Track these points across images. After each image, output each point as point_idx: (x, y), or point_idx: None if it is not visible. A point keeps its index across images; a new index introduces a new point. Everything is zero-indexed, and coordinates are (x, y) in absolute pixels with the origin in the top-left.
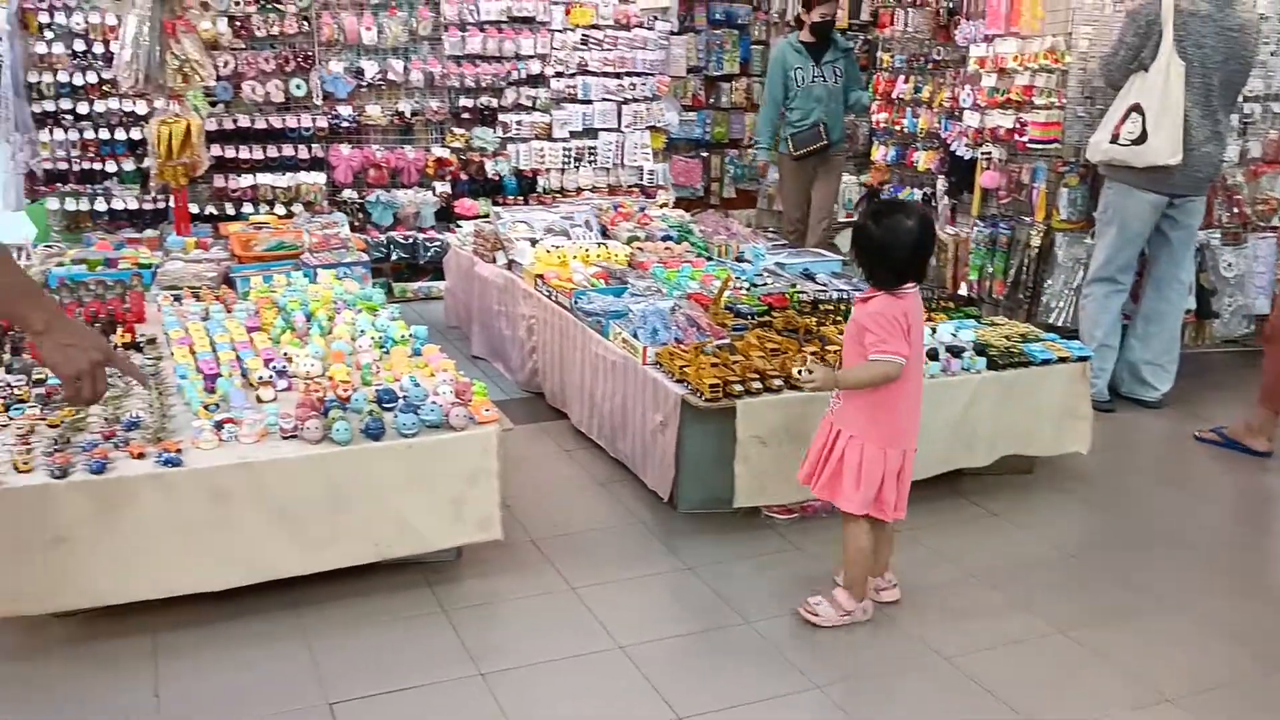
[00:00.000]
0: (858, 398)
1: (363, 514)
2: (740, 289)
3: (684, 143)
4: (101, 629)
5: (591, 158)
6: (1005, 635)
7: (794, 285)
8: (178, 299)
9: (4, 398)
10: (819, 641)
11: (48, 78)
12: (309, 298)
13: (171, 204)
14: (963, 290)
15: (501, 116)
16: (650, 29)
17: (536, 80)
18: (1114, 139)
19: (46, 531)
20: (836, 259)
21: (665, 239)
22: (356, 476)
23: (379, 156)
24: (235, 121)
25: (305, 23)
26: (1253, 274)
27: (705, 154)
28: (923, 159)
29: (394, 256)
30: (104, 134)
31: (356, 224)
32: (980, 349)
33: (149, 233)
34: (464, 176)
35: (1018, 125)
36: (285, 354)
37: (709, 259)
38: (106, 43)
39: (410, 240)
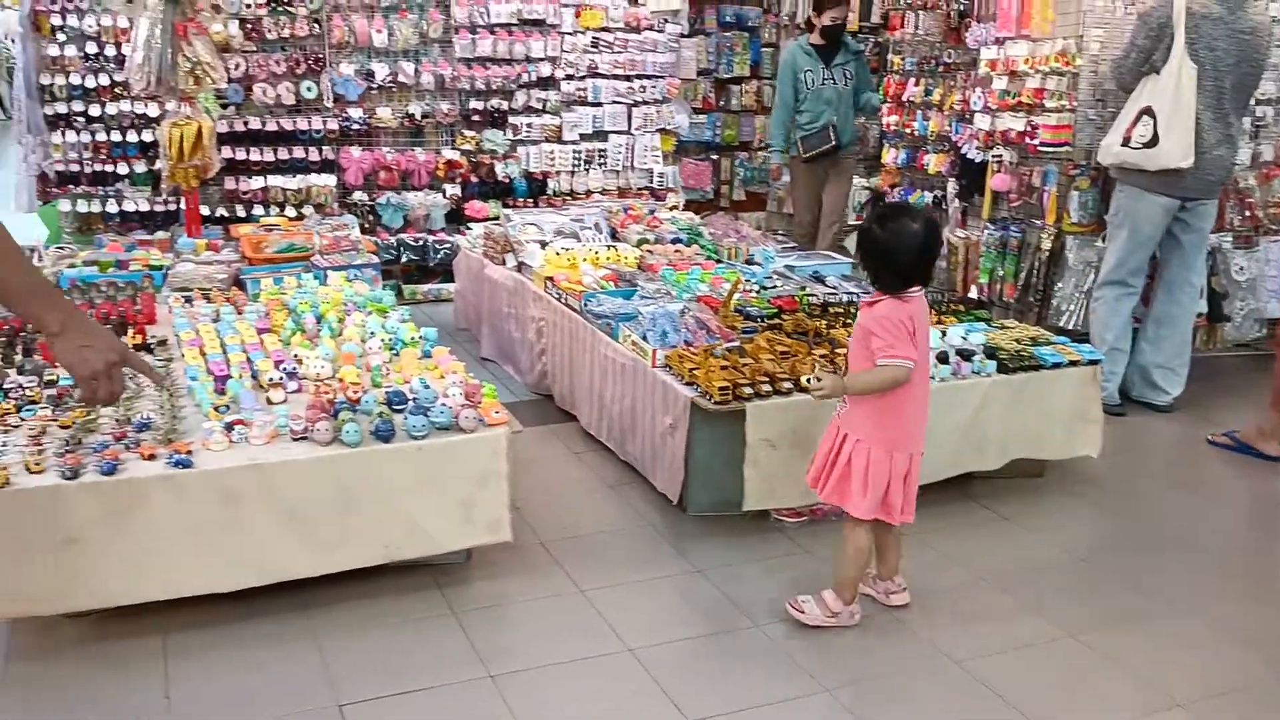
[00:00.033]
0: (865, 402)
1: (372, 516)
2: (750, 292)
3: (694, 145)
4: (112, 630)
5: (601, 160)
6: (1015, 639)
7: (804, 288)
8: (188, 301)
9: (16, 399)
10: (828, 645)
11: (60, 80)
12: (319, 300)
13: (183, 206)
14: (973, 293)
15: (512, 119)
16: (660, 32)
17: (547, 83)
18: (1125, 142)
19: (58, 532)
20: (846, 262)
21: (675, 241)
22: (366, 478)
23: (389, 159)
24: (246, 124)
25: (316, 25)
26: (1264, 277)
27: (715, 157)
28: (933, 162)
29: (404, 259)
30: (115, 136)
31: (367, 226)
32: (990, 352)
33: (160, 235)
34: (474, 179)
35: (1029, 128)
36: (295, 356)
37: (719, 261)
38: (118, 45)
39: (420, 242)
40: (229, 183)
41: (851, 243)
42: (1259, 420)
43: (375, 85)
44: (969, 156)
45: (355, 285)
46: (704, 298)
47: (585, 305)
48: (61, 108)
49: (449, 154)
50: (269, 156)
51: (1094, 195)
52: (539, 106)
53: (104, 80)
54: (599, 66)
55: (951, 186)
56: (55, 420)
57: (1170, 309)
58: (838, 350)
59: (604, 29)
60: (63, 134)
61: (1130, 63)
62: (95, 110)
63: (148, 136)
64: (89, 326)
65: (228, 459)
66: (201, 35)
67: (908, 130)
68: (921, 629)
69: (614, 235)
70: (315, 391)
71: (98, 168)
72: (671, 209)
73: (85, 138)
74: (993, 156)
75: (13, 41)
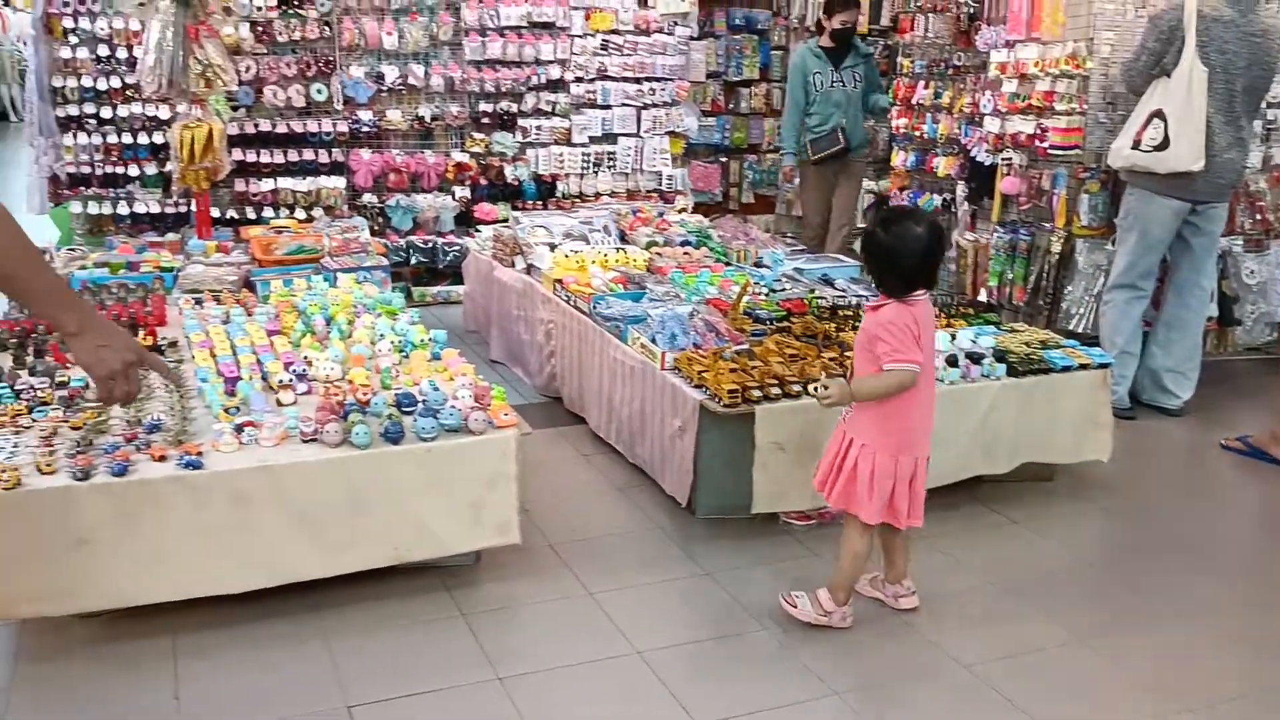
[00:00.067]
0: (870, 407)
1: (382, 517)
2: (759, 294)
3: (703, 148)
4: (123, 630)
5: (610, 163)
6: (1024, 643)
7: (813, 291)
8: (199, 302)
9: (28, 400)
10: (837, 648)
11: (72, 82)
12: (329, 302)
13: (193, 208)
14: (982, 296)
15: (521, 121)
16: (670, 34)
17: (556, 85)
18: (1136, 145)
19: (69, 533)
20: (855, 264)
21: (684, 244)
22: (376, 480)
23: (399, 161)
24: (256, 126)
25: (326, 28)
26: (1275, 281)
27: (724, 159)
28: (942, 165)
29: (413, 261)
30: (127, 138)
31: (376, 228)
32: (1000, 356)
33: (170, 236)
34: (483, 181)
35: (1038, 131)
36: (305, 358)
37: (728, 264)
38: (130, 48)
39: (429, 245)
40: (239, 185)
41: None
42: (1274, 425)
43: (385, 88)
44: (978, 159)
45: (365, 287)
46: (713, 300)
47: (594, 308)
48: (73, 110)
49: (458, 156)
50: (279, 159)
51: (1104, 198)
52: (548, 109)
53: (115, 83)
54: (608, 69)
55: (961, 189)
56: (66, 421)
57: (1180, 312)
58: (847, 354)
59: (613, 32)
60: (74, 136)
61: (1141, 66)
62: (107, 112)
63: (159, 139)
64: (106, 327)
65: (238, 460)
66: (213, 38)
67: (917, 133)
68: (931, 633)
69: (623, 238)
70: (325, 393)
71: (109, 170)
72: (680, 212)
73: (96, 140)
74: (1002, 159)
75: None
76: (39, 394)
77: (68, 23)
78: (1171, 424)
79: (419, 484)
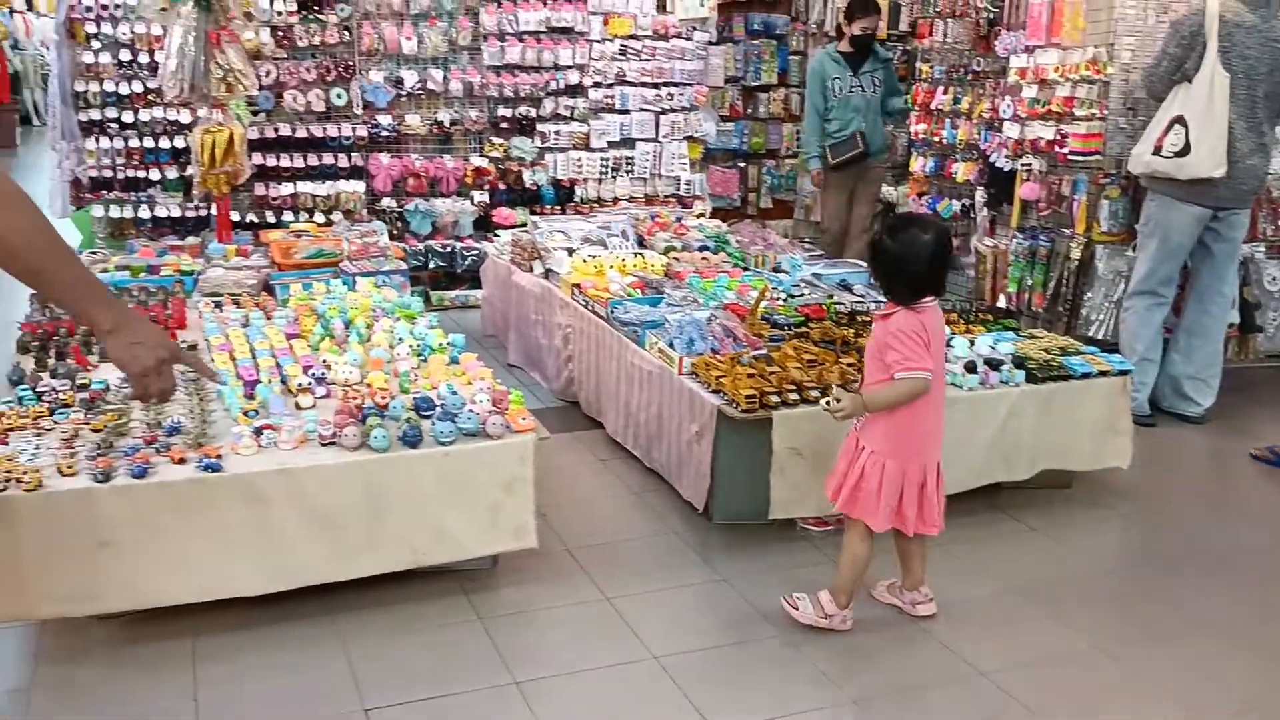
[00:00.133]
0: (881, 415)
1: (400, 521)
2: (777, 300)
3: (721, 153)
4: (141, 632)
5: (629, 168)
6: (1043, 651)
7: (831, 296)
8: (218, 306)
9: (49, 402)
10: (854, 654)
11: (94, 87)
12: (348, 305)
13: (213, 211)
14: (1001, 302)
15: (540, 126)
16: (688, 39)
17: (575, 90)
18: (1156, 151)
19: (90, 535)
20: None
21: (702, 249)
22: (394, 483)
23: (418, 165)
24: (276, 130)
25: (346, 33)
26: None
27: (742, 164)
28: (961, 170)
29: (432, 265)
30: (148, 142)
31: (395, 232)
32: (1019, 362)
33: (191, 240)
34: (502, 186)
35: (1058, 137)
36: (324, 361)
37: (746, 269)
38: (152, 52)
39: (448, 249)
40: (259, 189)
41: None
42: None
43: (404, 92)
44: (998, 165)
45: (384, 291)
46: (731, 305)
47: (612, 312)
48: (95, 114)
49: (477, 161)
50: (299, 163)
51: (1124, 204)
52: (567, 114)
53: (137, 87)
54: (627, 74)
55: (980, 195)
56: (87, 424)
57: (1201, 319)
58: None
59: (632, 36)
60: (96, 140)
61: (1162, 71)
62: (128, 117)
63: (180, 143)
64: (140, 324)
65: (256, 463)
66: (234, 42)
67: (936, 138)
68: (948, 640)
69: (641, 242)
70: (343, 397)
71: (130, 173)
72: (698, 216)
73: (118, 144)
74: (1022, 165)
75: (48, 49)
76: (60, 396)
77: (90, 28)
78: (1192, 431)
79: (437, 488)
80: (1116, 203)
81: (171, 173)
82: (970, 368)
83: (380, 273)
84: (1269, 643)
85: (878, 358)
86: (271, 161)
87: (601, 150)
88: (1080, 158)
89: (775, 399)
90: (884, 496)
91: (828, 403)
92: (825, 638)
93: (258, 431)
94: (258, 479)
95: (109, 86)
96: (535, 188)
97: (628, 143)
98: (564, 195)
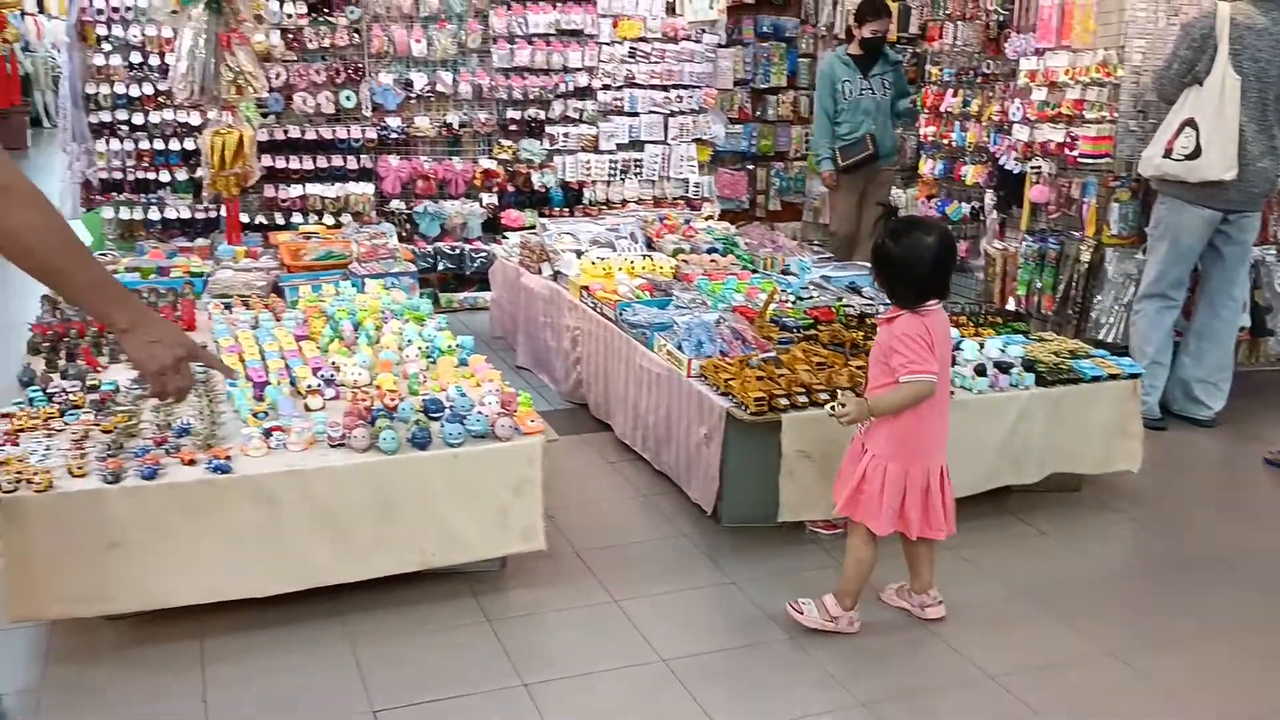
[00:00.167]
0: (885, 419)
1: (409, 522)
2: (786, 302)
3: (730, 155)
4: (150, 633)
5: (637, 170)
6: (1052, 656)
7: (840, 299)
8: (228, 307)
9: (59, 403)
10: (862, 657)
11: (105, 89)
12: (357, 307)
13: (223, 213)
14: (1011, 305)
15: (548, 128)
16: (697, 42)
17: (584, 92)
18: (1167, 154)
19: (100, 536)
20: None
21: (711, 251)
22: (403, 485)
23: (427, 168)
24: (286, 132)
25: (356, 35)
26: None
27: (751, 167)
28: (971, 173)
29: (441, 267)
30: (158, 144)
31: (404, 234)
32: (1029, 365)
33: (200, 242)
34: (511, 188)
35: (1068, 139)
36: (333, 363)
37: (754, 272)
38: (162, 55)
39: (457, 251)
40: (268, 190)
41: None
42: None
43: (414, 95)
44: (1007, 167)
45: (393, 293)
46: (739, 308)
47: (620, 315)
48: (105, 116)
49: (486, 163)
50: (308, 165)
51: (1134, 207)
52: (576, 116)
53: (148, 89)
54: (636, 76)
55: (989, 198)
56: (97, 425)
57: (1212, 322)
58: None
59: (641, 39)
60: (106, 142)
61: (1173, 74)
62: (139, 119)
63: (190, 145)
64: (157, 323)
65: (266, 465)
66: (244, 45)
67: (945, 141)
68: (957, 643)
69: (649, 245)
70: (353, 398)
71: (140, 175)
72: (707, 219)
73: (129, 146)
74: (1031, 167)
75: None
76: (70, 397)
77: (101, 30)
78: (1202, 435)
79: (445, 489)
80: (1126, 205)
81: (181, 175)
82: (980, 371)
83: (389, 274)
84: None
85: (882, 362)
86: (281, 163)
87: (610, 152)
88: (1090, 160)
89: (784, 402)
90: (886, 499)
91: (832, 408)
92: (834, 640)
93: (267, 433)
94: (267, 480)
95: (119, 89)
96: (544, 190)
97: (636, 145)
98: (573, 197)
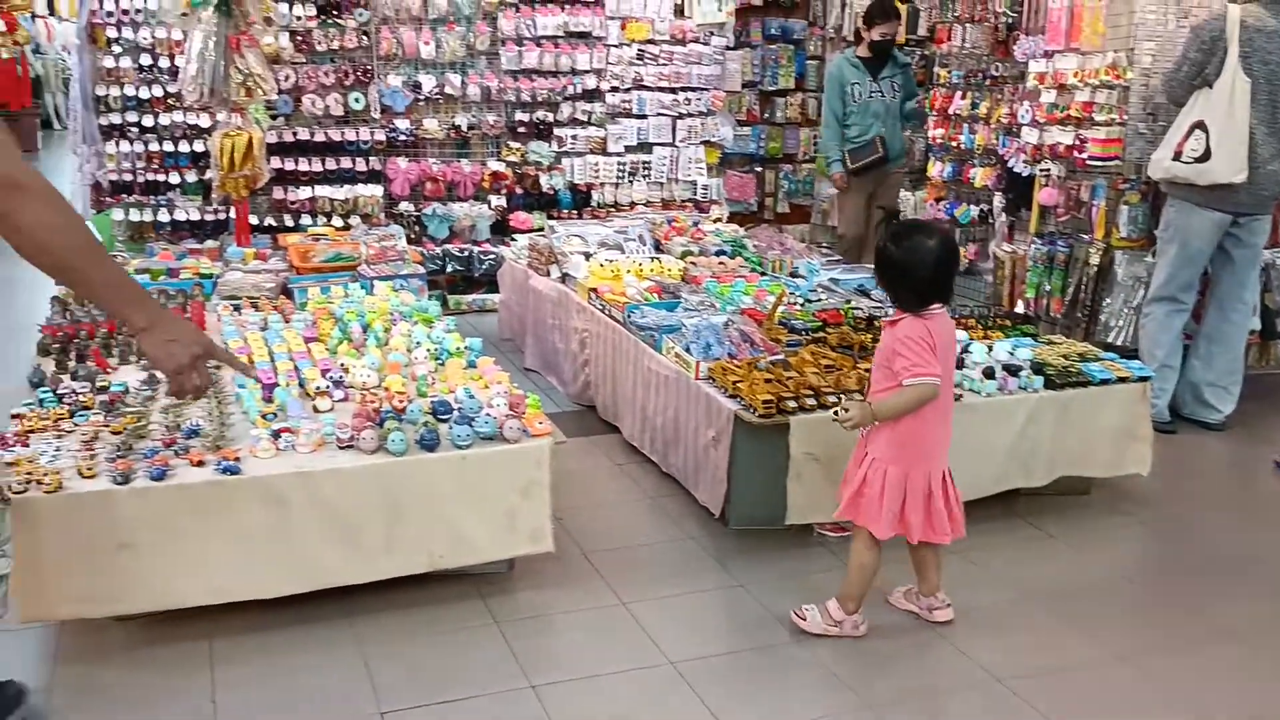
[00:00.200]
0: (887, 423)
1: (417, 524)
2: (794, 305)
3: (738, 157)
4: (159, 634)
5: (646, 172)
6: (1061, 659)
7: (849, 301)
8: (237, 309)
9: (69, 404)
10: (870, 660)
11: (115, 91)
12: (366, 309)
13: (232, 215)
14: (1020, 308)
15: (557, 131)
16: (706, 44)
17: (592, 95)
18: (1176, 156)
19: (110, 537)
20: None
21: (719, 254)
22: (411, 487)
23: (435, 170)
24: (295, 134)
25: (365, 37)
26: None
27: (759, 169)
28: (980, 175)
29: (449, 269)
30: (168, 146)
31: (413, 236)
32: (1038, 368)
33: (210, 243)
34: (519, 190)
35: (1077, 142)
36: (342, 364)
37: (763, 274)
38: (172, 57)
39: (465, 253)
40: (277, 192)
41: None
42: None
43: (422, 97)
44: (1016, 170)
45: (401, 295)
46: (748, 310)
47: (629, 317)
48: (116, 118)
49: (494, 165)
50: (317, 167)
51: (1144, 210)
52: (584, 118)
53: (157, 91)
54: (644, 79)
55: (998, 200)
56: (107, 426)
57: (1222, 326)
58: None
59: (649, 41)
60: (116, 144)
61: (1182, 76)
62: (149, 121)
63: (199, 147)
64: (175, 322)
65: (275, 466)
66: (253, 47)
67: (954, 143)
68: (965, 646)
69: (658, 247)
70: (361, 400)
71: (150, 177)
72: (715, 221)
73: (138, 148)
74: (1040, 170)
75: (69, 53)
76: (80, 398)
77: (111, 32)
78: (1212, 438)
79: (454, 491)
80: (1136, 208)
81: (191, 176)
82: (988, 374)
83: (398, 276)
84: None
85: (885, 366)
86: (290, 165)
87: (619, 155)
88: (1099, 163)
89: (792, 404)
90: (886, 503)
91: (835, 413)
92: (841, 643)
93: (276, 434)
94: (276, 482)
95: (129, 91)
96: (552, 192)
97: (645, 147)
98: (581, 200)
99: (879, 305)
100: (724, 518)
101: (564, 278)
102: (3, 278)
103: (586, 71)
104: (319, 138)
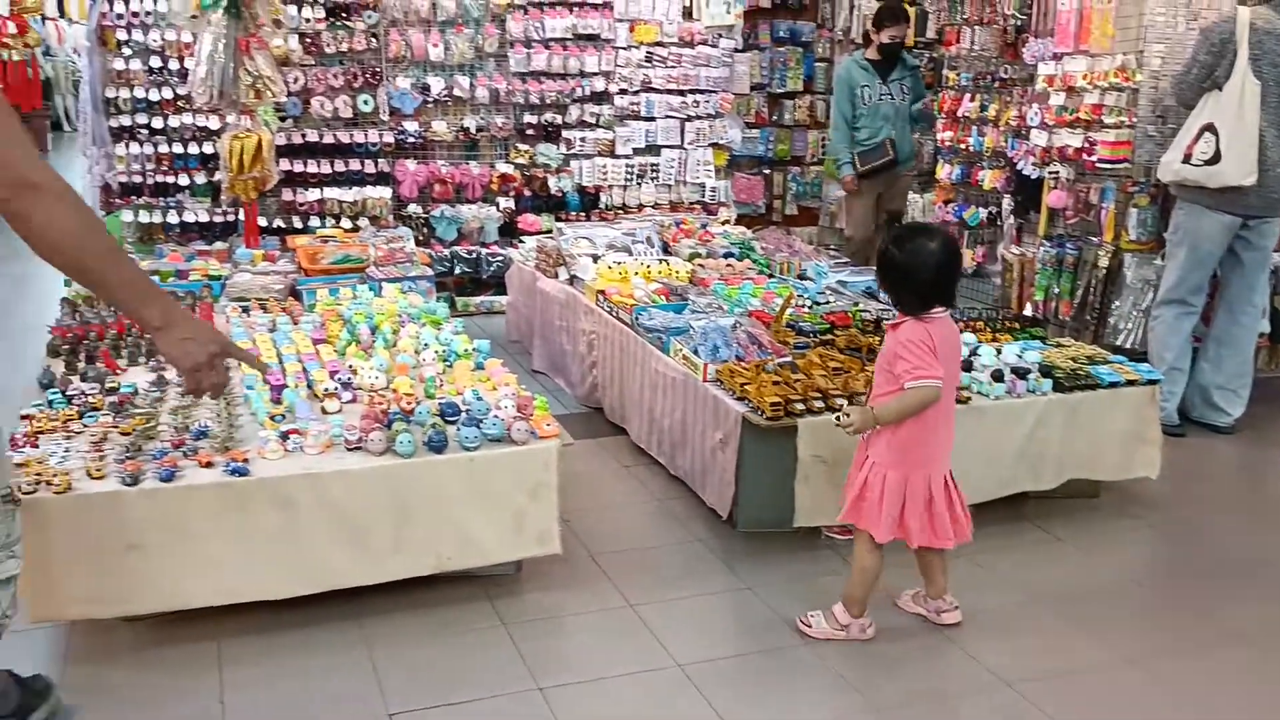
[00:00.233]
0: (887, 427)
1: (425, 526)
2: (802, 307)
3: (746, 160)
4: (168, 635)
5: (654, 174)
6: (1069, 663)
7: (857, 304)
8: (246, 310)
9: (79, 405)
10: (878, 663)
11: (125, 93)
12: (374, 311)
13: (241, 217)
14: (1028, 311)
15: (565, 133)
16: (714, 46)
17: (600, 97)
18: (1186, 159)
19: (119, 538)
20: None
21: (727, 256)
22: (419, 488)
23: (444, 172)
24: (304, 136)
25: (374, 40)
26: None
27: (768, 171)
28: (988, 178)
29: (457, 271)
30: (177, 148)
31: (421, 238)
32: (1046, 371)
33: (219, 245)
34: (527, 192)
35: (1086, 144)
36: (350, 366)
37: (771, 276)
38: (182, 59)
39: (474, 255)
40: (286, 194)
41: None
42: None
43: (431, 99)
44: (1025, 173)
45: (409, 297)
46: (756, 312)
47: (636, 319)
48: (125, 120)
49: (503, 168)
50: (326, 169)
51: (1153, 212)
52: (592, 121)
53: (167, 93)
54: (652, 81)
55: (1007, 203)
56: (116, 427)
57: (1231, 329)
58: None
59: (658, 44)
60: (126, 146)
61: (1192, 78)
62: (158, 123)
63: (208, 149)
64: (190, 320)
65: (283, 467)
66: (263, 49)
67: (963, 146)
68: (973, 649)
69: (666, 249)
70: (369, 402)
71: (159, 179)
72: (723, 223)
73: (148, 149)
74: (1049, 173)
75: (79, 55)
76: (90, 400)
77: (121, 35)
78: (1222, 442)
79: (462, 493)
80: (1145, 211)
81: (200, 178)
82: (997, 376)
83: (406, 278)
84: None
85: (887, 370)
86: (299, 167)
87: (627, 157)
88: (1109, 165)
89: (800, 407)
90: (885, 507)
91: (838, 418)
92: (849, 646)
93: (284, 436)
94: (284, 483)
95: (139, 93)
96: (560, 194)
97: (653, 149)
98: (589, 202)
99: (887, 308)
100: (732, 520)
101: (572, 280)
102: (13, 278)
103: (595, 74)
104: (328, 140)
